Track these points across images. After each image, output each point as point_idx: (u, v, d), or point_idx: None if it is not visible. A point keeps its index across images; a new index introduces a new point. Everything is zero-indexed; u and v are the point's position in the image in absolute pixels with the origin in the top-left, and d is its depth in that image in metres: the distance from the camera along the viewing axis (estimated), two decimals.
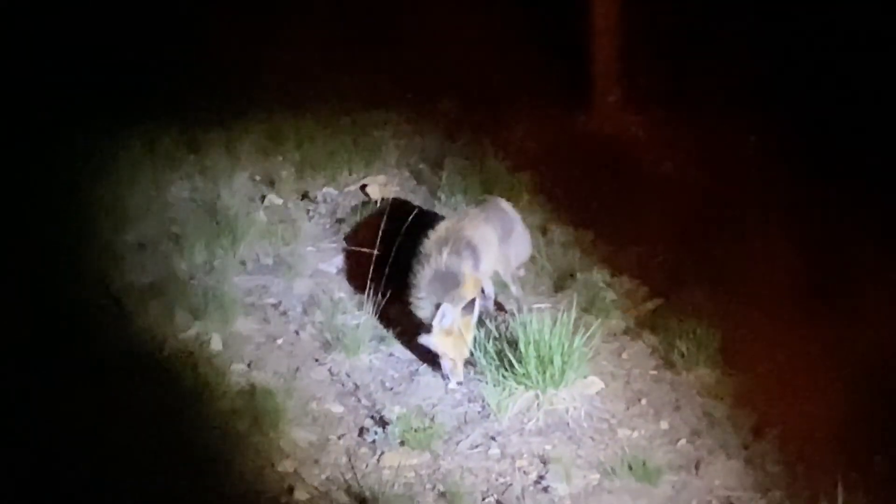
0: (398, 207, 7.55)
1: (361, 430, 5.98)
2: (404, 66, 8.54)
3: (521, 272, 6.96)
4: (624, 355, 6.53)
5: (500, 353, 6.16)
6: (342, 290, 7.05)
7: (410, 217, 6.91)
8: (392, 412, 6.06)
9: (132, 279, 6.85)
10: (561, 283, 7.01)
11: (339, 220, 7.64)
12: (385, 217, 7.14)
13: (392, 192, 7.83)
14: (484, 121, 8.47)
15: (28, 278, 6.67)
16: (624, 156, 8.20)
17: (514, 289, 6.72)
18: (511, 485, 5.66)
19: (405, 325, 6.60)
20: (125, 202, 7.30)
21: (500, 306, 6.76)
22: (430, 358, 6.36)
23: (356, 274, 7.09)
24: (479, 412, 6.09)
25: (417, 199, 7.78)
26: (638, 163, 8.14)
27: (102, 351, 6.30)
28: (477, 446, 5.89)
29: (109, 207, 7.21)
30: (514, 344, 6.11)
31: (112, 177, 7.47)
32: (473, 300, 6.20)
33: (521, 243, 6.85)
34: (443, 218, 6.73)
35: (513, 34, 8.79)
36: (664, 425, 6.02)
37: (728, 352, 6.36)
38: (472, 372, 6.27)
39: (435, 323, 6.15)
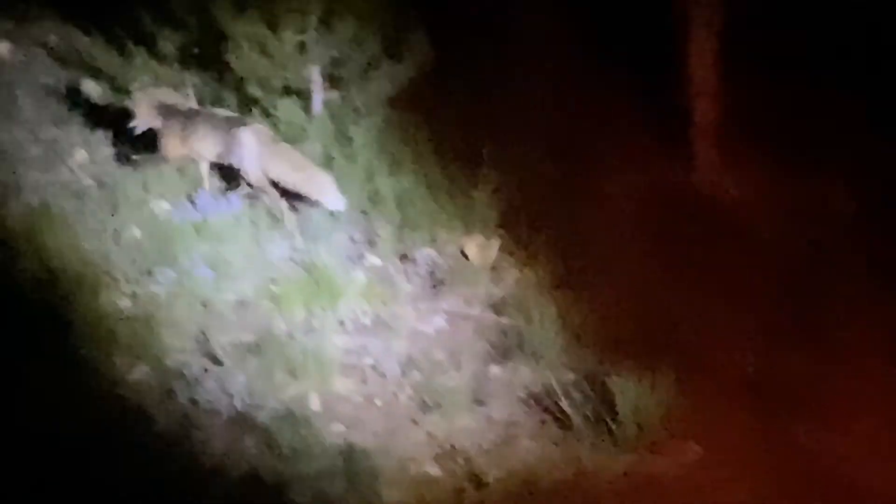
0: (497, 268, 7.96)
1: (459, 493, 6.29)
2: (503, 124, 8.86)
3: None
4: (721, 419, 6.77)
5: (597, 416, 6.44)
6: (441, 351, 7.44)
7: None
8: (490, 475, 6.37)
9: (232, 337, 7.30)
10: (659, 343, 7.30)
11: (438, 281, 8.01)
12: (484, 278, 7.52)
13: (491, 253, 8.17)
14: (582, 179, 8.77)
15: (128, 332, 7.17)
16: (722, 215, 8.47)
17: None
18: None
19: (504, 388, 6.94)
20: (226, 259, 7.73)
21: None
22: None
23: (455, 335, 7.47)
24: None
25: (515, 260, 8.14)
26: (737, 222, 8.39)
27: (201, 408, 6.78)
28: None
29: (211, 264, 7.66)
30: (611, 406, 6.38)
31: (212, 233, 7.95)
32: None
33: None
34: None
35: (611, 92, 9.14)
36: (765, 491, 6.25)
37: (830, 415, 6.56)
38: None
39: None
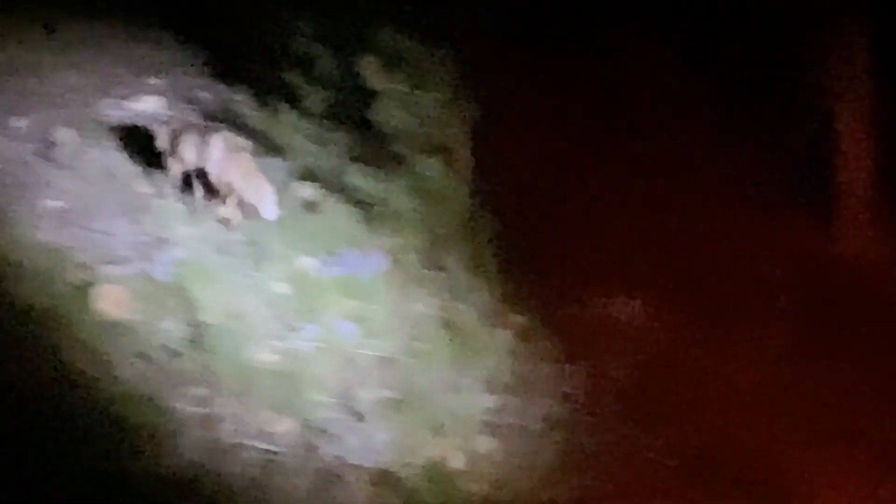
0: (642, 330, 8.05)
1: None
2: (639, 188, 8.96)
3: None
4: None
5: None
6: (583, 412, 7.49)
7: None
8: None
9: (375, 393, 7.45)
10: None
11: (582, 341, 8.06)
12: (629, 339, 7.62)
13: (635, 315, 8.21)
14: (726, 244, 8.81)
15: (269, 385, 7.38)
16: (868, 281, 8.40)
17: None
18: None
19: (648, 452, 6.99)
20: (370, 315, 7.90)
21: None
22: None
23: (597, 396, 7.53)
24: None
25: (661, 322, 8.19)
26: (883, 288, 8.32)
27: (344, 464, 6.94)
28: None
29: (356, 320, 7.84)
30: None
31: (357, 289, 8.12)
32: None
33: None
34: None
35: (750, 156, 9.16)
36: None
37: None
38: None
39: None
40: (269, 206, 8.53)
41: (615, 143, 9.01)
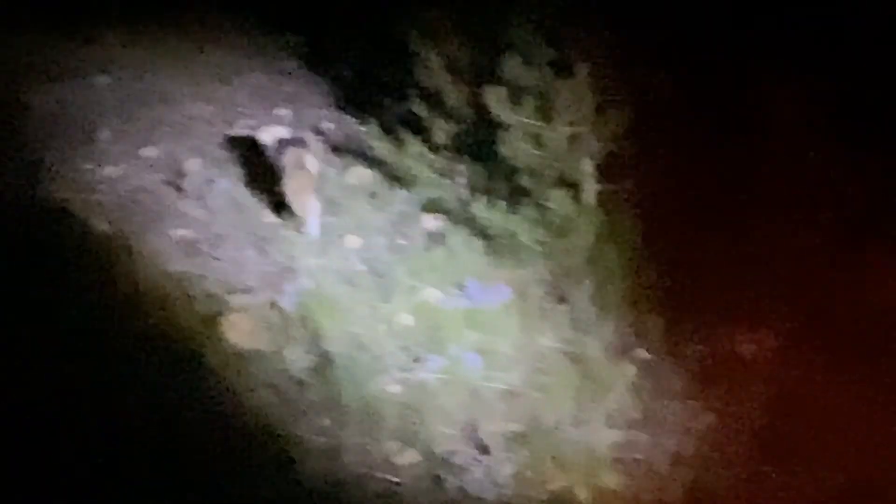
0: (771, 365, 8.00)
1: None
2: (764, 219, 8.93)
3: None
4: None
5: None
6: (711, 449, 7.46)
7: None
8: None
9: (500, 426, 7.50)
10: None
11: (709, 377, 8.04)
12: (758, 375, 7.57)
13: (763, 347, 8.16)
14: (859, 281, 8.69)
15: (393, 416, 7.50)
16: None
17: None
18: None
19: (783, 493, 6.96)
20: (494, 347, 7.98)
21: None
22: None
23: (726, 434, 7.50)
24: None
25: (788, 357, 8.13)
26: None
27: (468, 497, 7.04)
28: None
29: (480, 352, 7.92)
30: None
31: (481, 321, 8.18)
32: None
33: None
34: None
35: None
36: None
37: None
38: None
39: None
40: (314, 225, 8.97)
41: (747, 178, 8.96)
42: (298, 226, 9.02)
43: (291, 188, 9.08)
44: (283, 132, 9.63)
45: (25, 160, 9.60)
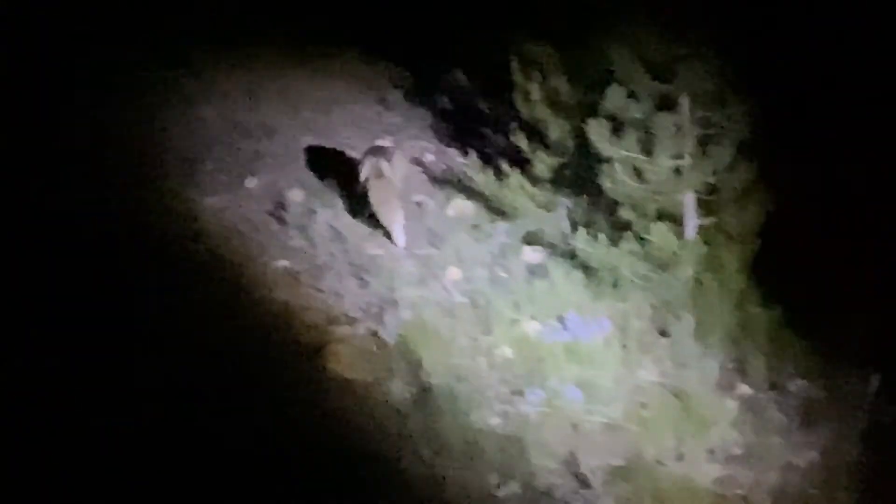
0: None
1: None
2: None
3: None
4: None
5: None
6: (813, 486, 7.48)
7: None
8: None
9: (600, 460, 7.59)
10: None
11: (810, 414, 8.05)
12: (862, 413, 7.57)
13: (866, 385, 8.13)
14: None
15: (493, 448, 7.58)
16: None
17: None
18: None
19: None
20: (595, 381, 8.05)
21: None
22: None
23: (829, 470, 7.49)
24: None
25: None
26: None
27: None
28: None
29: (581, 385, 8.00)
30: None
31: (582, 354, 8.26)
32: None
33: None
34: None
35: None
36: None
37: None
38: None
39: None
40: (399, 234, 9.35)
41: (851, 213, 8.97)
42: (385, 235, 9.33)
43: (374, 198, 9.40)
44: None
45: (130, 190, 9.85)
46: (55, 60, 11.01)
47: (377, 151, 9.66)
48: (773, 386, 8.27)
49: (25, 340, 7.87)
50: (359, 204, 9.58)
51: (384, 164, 9.50)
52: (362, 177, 9.52)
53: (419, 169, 10.33)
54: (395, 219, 9.37)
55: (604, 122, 8.51)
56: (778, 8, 9.33)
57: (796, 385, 8.25)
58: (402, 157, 9.91)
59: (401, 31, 11.75)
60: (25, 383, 7.54)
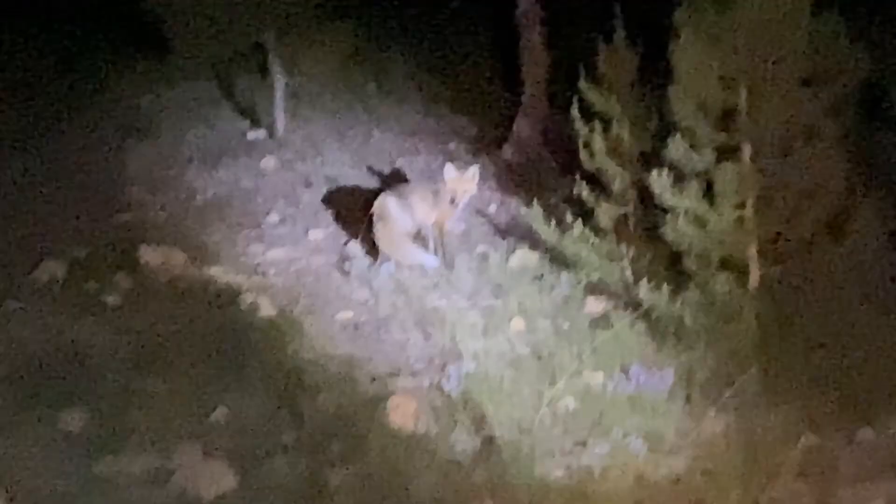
0: None
1: None
2: None
3: None
4: None
5: None
6: None
7: None
8: None
9: None
10: None
11: (881, 461, 8.10)
12: None
13: None
14: None
15: (558, 501, 7.76)
16: None
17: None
18: None
19: None
20: (659, 432, 8.19)
21: None
22: None
23: None
24: None
25: None
26: None
27: None
28: None
29: (645, 437, 8.15)
30: None
31: (646, 405, 8.44)
32: None
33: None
34: None
35: None
36: None
37: None
38: None
39: None
40: (426, 260, 10.04)
41: None
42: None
43: (379, 240, 9.96)
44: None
45: (196, 241, 10.27)
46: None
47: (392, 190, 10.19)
48: (839, 434, 8.31)
49: None
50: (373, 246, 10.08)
51: (390, 201, 9.98)
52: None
53: (483, 220, 10.63)
54: (411, 257, 9.96)
55: (666, 171, 8.74)
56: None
57: (864, 434, 8.32)
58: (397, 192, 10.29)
59: (465, 82, 12.08)
60: None
